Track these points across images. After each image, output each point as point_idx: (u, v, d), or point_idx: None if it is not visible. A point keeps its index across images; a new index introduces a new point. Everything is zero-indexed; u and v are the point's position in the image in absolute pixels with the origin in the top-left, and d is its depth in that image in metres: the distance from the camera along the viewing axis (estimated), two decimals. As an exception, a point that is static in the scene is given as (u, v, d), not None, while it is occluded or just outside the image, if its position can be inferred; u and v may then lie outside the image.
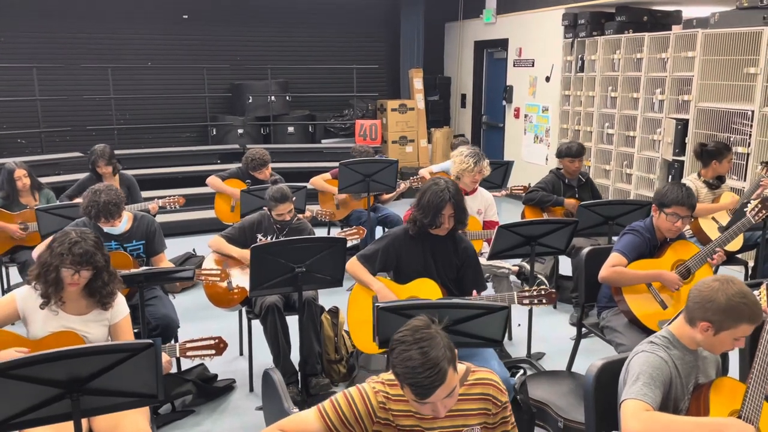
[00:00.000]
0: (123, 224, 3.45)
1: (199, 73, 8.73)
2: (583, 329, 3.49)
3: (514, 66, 8.79)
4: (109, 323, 2.62)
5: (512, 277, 4.30)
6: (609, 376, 2.15)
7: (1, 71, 7.79)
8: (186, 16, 9.00)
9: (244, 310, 3.82)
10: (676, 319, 2.08)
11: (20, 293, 2.56)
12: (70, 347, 2.00)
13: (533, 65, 8.38)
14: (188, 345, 2.48)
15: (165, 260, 3.65)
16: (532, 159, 8.26)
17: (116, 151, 5.30)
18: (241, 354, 4.08)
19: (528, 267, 3.95)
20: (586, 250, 3.41)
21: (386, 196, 5.78)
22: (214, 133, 9.09)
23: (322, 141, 9.53)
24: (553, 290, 2.75)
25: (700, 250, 3.10)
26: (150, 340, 2.09)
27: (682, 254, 3.10)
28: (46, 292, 2.49)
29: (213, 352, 2.50)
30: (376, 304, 2.48)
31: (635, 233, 3.12)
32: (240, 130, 9.01)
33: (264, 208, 3.96)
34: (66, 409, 2.03)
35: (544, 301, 2.74)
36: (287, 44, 9.50)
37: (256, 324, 3.67)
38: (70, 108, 8.33)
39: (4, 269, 4.77)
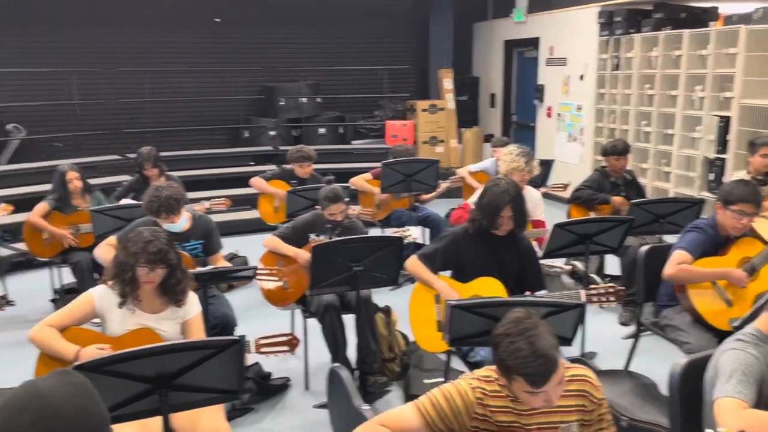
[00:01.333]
0: (182, 223, 3.50)
1: (232, 76, 8.81)
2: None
3: (546, 65, 8.75)
4: (182, 320, 2.66)
5: (564, 277, 4.28)
6: (692, 375, 2.13)
7: (42, 76, 7.93)
8: (218, 20, 9.09)
9: (298, 309, 3.85)
10: (760, 315, 2.06)
11: (97, 292, 2.61)
12: (161, 344, 2.04)
13: (566, 64, 8.34)
14: (263, 341, 2.51)
15: (221, 259, 3.70)
16: (565, 158, 8.21)
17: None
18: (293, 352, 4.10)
19: (580, 266, 3.93)
20: (645, 248, 3.39)
21: (426, 196, 5.78)
22: (247, 135, 9.16)
23: (353, 142, 9.57)
24: (622, 288, 2.74)
25: (766, 247, 3.06)
26: (236, 337, 2.12)
27: (747, 251, 3.06)
28: (123, 290, 2.53)
29: (287, 348, 2.53)
30: (449, 302, 2.49)
31: (699, 230, 3.10)
32: (272, 132, 9.07)
33: (316, 207, 3.99)
34: (154, 405, 2.07)
35: (612, 299, 2.73)
36: (318, 46, 9.55)
37: (309, 323, 3.70)
38: (107, 111, 8.45)
39: (57, 270, 4.85)
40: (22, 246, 6.04)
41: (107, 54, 8.40)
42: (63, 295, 4.82)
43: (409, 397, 3.54)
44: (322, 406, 3.53)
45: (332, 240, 3.48)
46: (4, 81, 7.82)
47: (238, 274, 3.29)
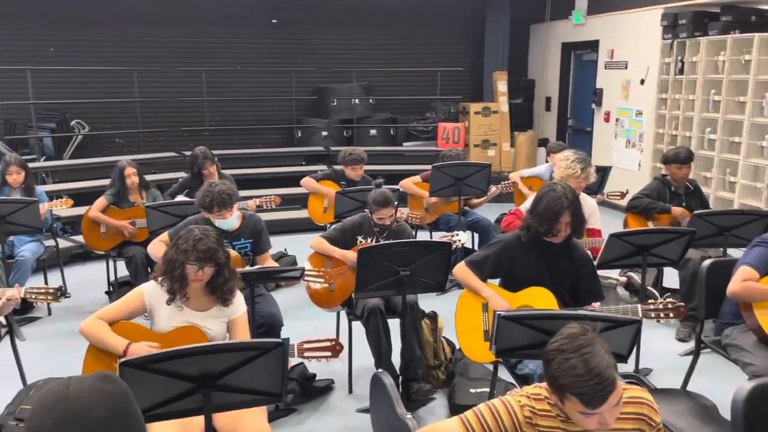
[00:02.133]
0: (233, 220, 3.52)
1: (287, 77, 8.90)
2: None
3: (605, 68, 8.50)
4: (228, 319, 2.67)
5: (620, 289, 4.12)
6: (758, 400, 2.00)
7: (105, 74, 8.20)
8: (275, 21, 9.21)
9: (343, 311, 3.83)
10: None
11: (148, 287, 2.64)
12: (205, 344, 2.04)
13: (626, 67, 8.07)
14: (306, 345, 2.49)
15: (269, 259, 3.71)
16: (623, 165, 7.94)
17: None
18: (337, 355, 4.09)
19: (637, 278, 3.77)
20: (707, 263, 3.22)
21: (476, 201, 5.69)
22: (299, 135, 9.25)
23: (404, 144, 9.52)
24: (683, 304, 2.60)
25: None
26: (279, 339, 2.11)
27: (820, 270, 2.87)
28: (171, 287, 2.56)
29: (329, 354, 2.50)
30: (498, 312, 2.41)
31: (767, 245, 2.91)
32: (324, 133, 9.12)
33: (365, 210, 3.96)
34: (197, 404, 2.07)
35: (671, 315, 2.59)
36: (372, 47, 9.56)
37: (354, 326, 3.67)
38: (166, 109, 8.66)
39: (112, 263, 4.98)
40: (80, 239, 6.27)
41: (167, 53, 8.61)
42: (117, 288, 4.95)
43: (454, 406, 3.46)
44: (365, 410, 3.49)
45: (379, 243, 3.44)
46: (69, 78, 8.12)
47: (285, 275, 3.29)
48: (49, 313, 4.87)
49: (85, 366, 2.55)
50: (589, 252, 3.97)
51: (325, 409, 3.54)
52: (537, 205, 2.86)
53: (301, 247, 4.72)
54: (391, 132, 9.51)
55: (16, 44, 8.03)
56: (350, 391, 3.70)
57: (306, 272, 3.34)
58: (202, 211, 3.55)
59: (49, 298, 3.13)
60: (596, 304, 3.02)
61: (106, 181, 5.13)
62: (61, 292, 3.15)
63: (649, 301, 2.69)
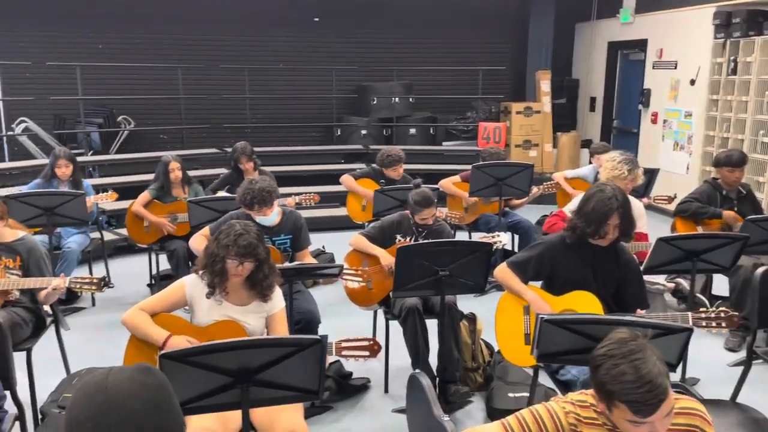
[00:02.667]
0: (274, 216, 3.54)
1: (328, 75, 8.93)
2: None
3: (653, 68, 8.27)
4: (267, 314, 2.67)
5: (667, 296, 3.99)
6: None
7: (149, 71, 8.36)
8: (317, 19, 9.25)
9: (381, 310, 3.81)
10: None
11: (189, 281, 2.66)
12: (244, 338, 2.04)
13: (676, 67, 7.84)
14: (344, 344, 2.47)
15: (308, 256, 3.71)
16: (671, 168, 7.71)
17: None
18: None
19: (685, 285, 3.64)
20: (761, 270, 3.08)
21: (516, 202, 5.59)
22: (339, 133, 9.27)
23: (444, 143, 9.45)
24: (736, 313, 2.48)
25: None
26: (318, 336, 2.09)
27: None
28: (212, 281, 2.57)
29: (367, 353, 2.47)
30: (540, 315, 2.35)
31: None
32: (363, 131, 9.12)
33: (406, 209, 3.92)
34: (235, 399, 2.07)
35: (723, 324, 2.48)
36: (413, 46, 9.52)
37: (391, 325, 3.64)
38: (209, 106, 8.79)
39: (154, 256, 5.07)
40: (124, 232, 6.41)
41: (211, 51, 8.74)
42: (159, 281, 5.03)
43: (491, 410, 3.40)
44: (401, 410, 3.46)
45: (419, 242, 3.40)
46: (116, 75, 8.31)
47: (324, 272, 3.28)
48: (93, 304, 4.98)
49: (126, 356, 2.58)
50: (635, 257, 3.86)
51: (360, 408, 3.52)
52: (585, 206, 2.77)
53: (339, 244, 4.71)
54: (431, 131, 9.45)
55: (66, 41, 8.25)
56: (386, 390, 3.68)
57: (345, 270, 3.32)
58: (242, 207, 3.57)
59: (93, 288, 3.19)
60: (641, 312, 2.93)
61: (151, 176, 5.22)
62: (104, 283, 3.21)
63: (700, 309, 2.58)
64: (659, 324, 2.24)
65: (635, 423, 1.49)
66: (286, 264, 3.18)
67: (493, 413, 3.37)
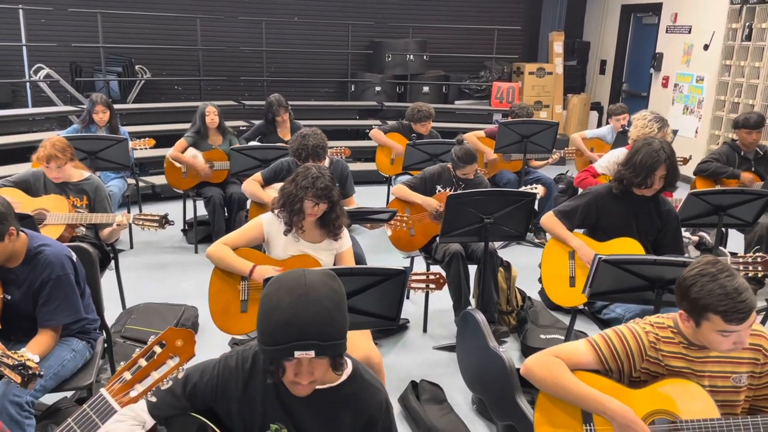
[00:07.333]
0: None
1: (343, 30, 8.94)
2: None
3: (666, 32, 8.38)
4: (337, 252, 2.86)
5: (691, 249, 4.23)
6: None
7: (168, 20, 8.33)
8: (334, -27, 9.21)
9: (420, 256, 4.02)
10: None
11: (266, 218, 2.84)
12: (340, 266, 2.23)
13: (690, 32, 7.96)
14: (414, 277, 2.67)
15: (354, 202, 3.89)
16: (680, 131, 7.89)
17: (261, 102, 5.57)
18: (408, 297, 4.29)
19: (709, 238, 3.87)
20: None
21: (536, 163, 5.72)
22: (353, 89, 9.34)
23: (456, 102, 9.56)
24: (771, 258, 2.70)
25: None
26: (402, 267, 2.29)
27: None
28: (290, 219, 2.75)
29: (434, 286, 2.67)
30: (598, 256, 2.56)
31: None
32: (377, 88, 9.19)
33: (442, 161, 4.09)
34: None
35: (760, 269, 2.71)
36: (429, 3, 9.52)
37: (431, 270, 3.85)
38: (227, 58, 8.80)
39: (192, 203, 5.21)
40: (151, 179, 6.53)
41: (230, 2, 8.70)
42: (194, 227, 5.19)
43: (526, 347, 3.66)
44: (442, 348, 3.71)
45: (468, 191, 3.59)
46: (134, 24, 8.28)
47: (377, 216, 3.46)
48: (131, 247, 5.15)
49: (212, 286, 2.78)
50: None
51: (402, 345, 3.76)
52: (633, 157, 2.95)
53: (365, 197, 4.86)
54: (444, 90, 9.54)
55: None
56: (425, 330, 3.92)
57: (396, 216, 3.51)
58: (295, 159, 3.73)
59: (155, 224, 3.35)
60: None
61: (168, 126, 5.31)
62: (166, 220, 3.37)
63: (738, 254, 2.80)
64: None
65: (725, 333, 1.69)
66: (344, 208, 3.35)
67: (527, 350, 3.63)
